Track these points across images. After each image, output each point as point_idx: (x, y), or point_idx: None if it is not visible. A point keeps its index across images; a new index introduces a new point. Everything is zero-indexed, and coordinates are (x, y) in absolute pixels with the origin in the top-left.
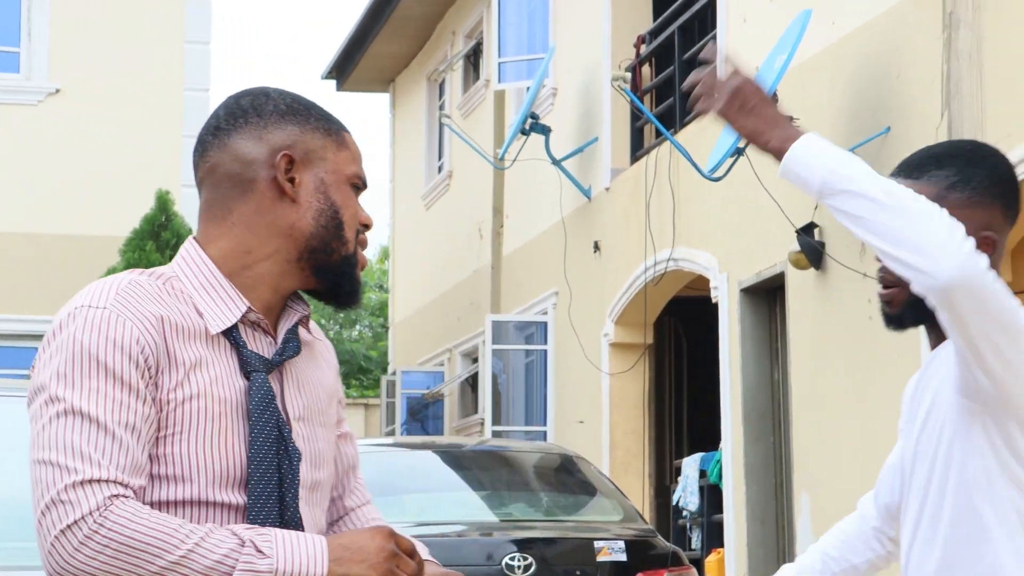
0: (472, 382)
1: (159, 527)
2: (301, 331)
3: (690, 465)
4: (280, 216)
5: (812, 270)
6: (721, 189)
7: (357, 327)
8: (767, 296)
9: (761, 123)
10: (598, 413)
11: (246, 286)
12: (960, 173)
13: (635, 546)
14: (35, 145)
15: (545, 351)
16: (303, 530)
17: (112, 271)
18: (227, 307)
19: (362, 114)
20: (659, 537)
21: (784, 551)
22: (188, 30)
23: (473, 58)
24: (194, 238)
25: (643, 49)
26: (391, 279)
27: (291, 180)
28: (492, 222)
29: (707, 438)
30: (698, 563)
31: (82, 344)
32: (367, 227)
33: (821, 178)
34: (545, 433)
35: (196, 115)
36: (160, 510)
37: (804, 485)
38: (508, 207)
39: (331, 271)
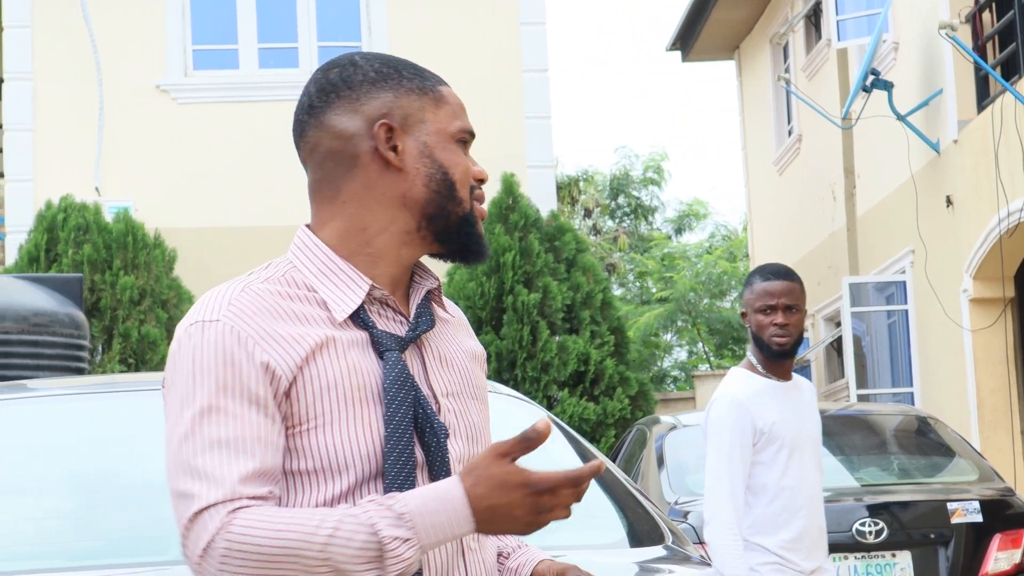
0: (837, 346)
1: (287, 525)
2: (436, 309)
3: None
4: (390, 187)
5: None
6: None
7: (727, 299)
8: None
9: None
10: (962, 372)
11: (367, 264)
12: None
13: (991, 506)
14: None
15: (906, 311)
16: None
17: None
18: (349, 289)
19: (710, 83)
20: (1017, 496)
21: None
22: (523, 12)
23: (814, 18)
24: (306, 224)
25: None
26: (750, 246)
27: (394, 149)
28: (844, 183)
29: None
30: None
31: (197, 362)
32: (482, 181)
33: None
34: (912, 395)
35: (536, 97)
36: (316, 507)
37: None
38: (859, 167)
39: (453, 234)
